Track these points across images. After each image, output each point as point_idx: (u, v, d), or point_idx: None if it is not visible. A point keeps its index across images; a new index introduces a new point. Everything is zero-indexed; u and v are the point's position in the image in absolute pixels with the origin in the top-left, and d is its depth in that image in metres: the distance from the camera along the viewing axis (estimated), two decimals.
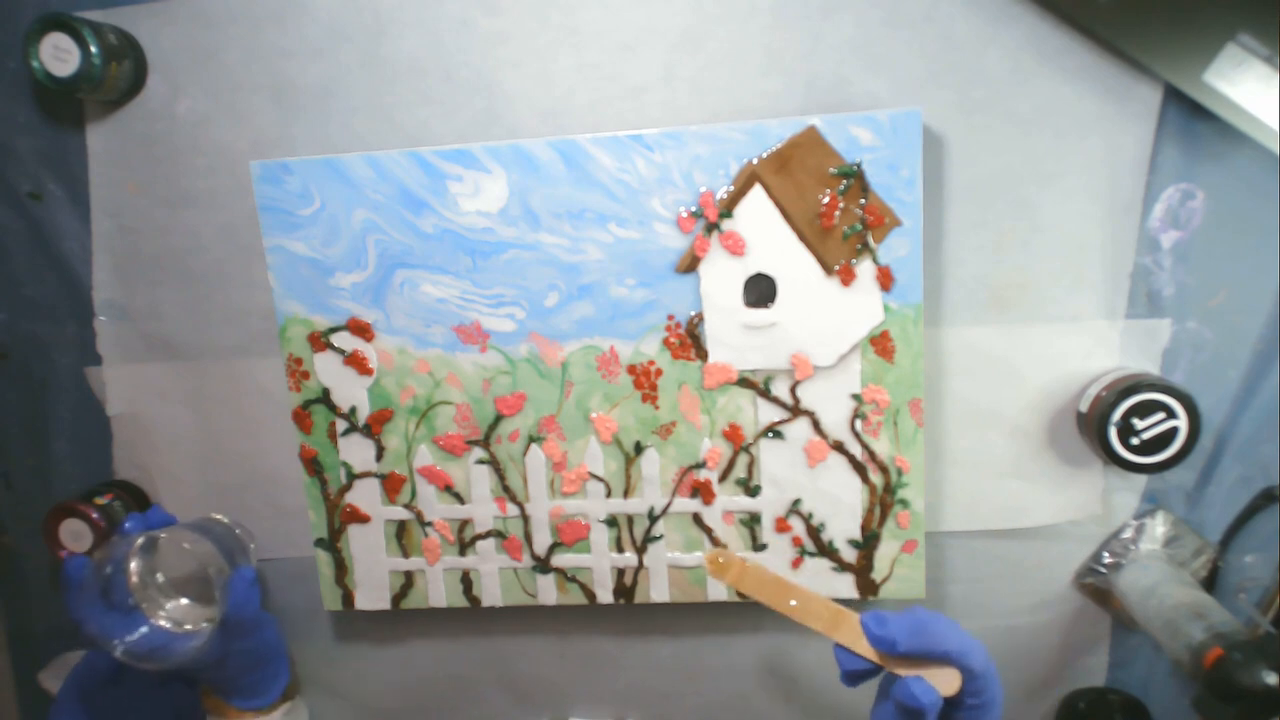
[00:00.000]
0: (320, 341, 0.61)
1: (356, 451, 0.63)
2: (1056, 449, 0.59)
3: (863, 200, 0.55)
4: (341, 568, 0.65)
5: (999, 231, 0.57)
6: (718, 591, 0.62)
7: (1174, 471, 0.57)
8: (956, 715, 0.46)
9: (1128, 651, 0.63)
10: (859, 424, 0.58)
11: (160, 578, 0.57)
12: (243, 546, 0.65)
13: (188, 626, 0.56)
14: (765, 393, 0.59)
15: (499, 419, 0.61)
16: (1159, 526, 0.59)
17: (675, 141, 0.56)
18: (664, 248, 0.57)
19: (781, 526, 0.60)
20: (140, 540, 0.56)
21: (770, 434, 0.59)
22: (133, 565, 0.55)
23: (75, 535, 0.65)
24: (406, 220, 0.59)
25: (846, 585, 0.60)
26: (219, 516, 0.66)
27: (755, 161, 0.55)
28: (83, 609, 0.54)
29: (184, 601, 0.57)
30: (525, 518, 0.62)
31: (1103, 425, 0.54)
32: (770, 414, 0.59)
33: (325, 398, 0.62)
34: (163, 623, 0.55)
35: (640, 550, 0.62)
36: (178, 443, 0.67)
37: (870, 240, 0.55)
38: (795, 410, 0.59)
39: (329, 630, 0.70)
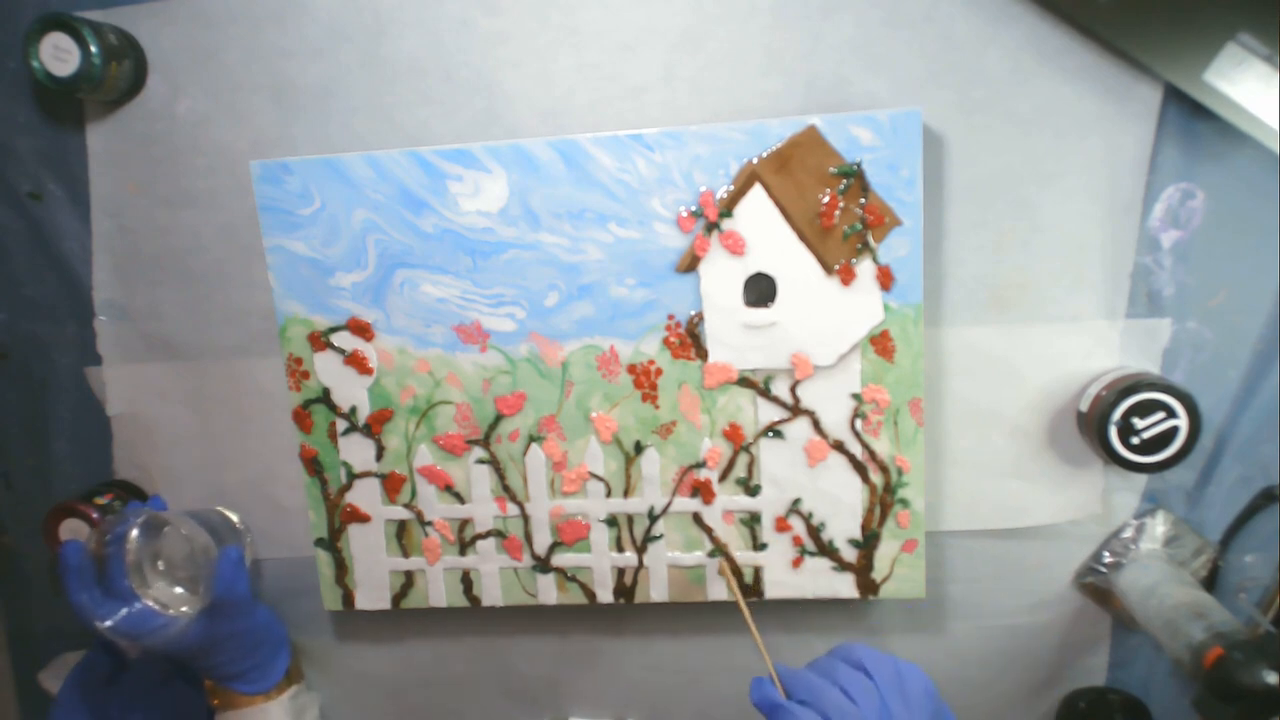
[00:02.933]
0: (320, 341, 0.61)
1: (356, 451, 0.63)
2: (1056, 449, 0.59)
3: (863, 200, 0.55)
4: (341, 567, 0.65)
5: (999, 231, 0.57)
6: (718, 591, 0.62)
7: (1174, 471, 0.57)
8: None
9: (1128, 651, 0.63)
10: (859, 423, 0.58)
11: (161, 565, 0.57)
12: (239, 540, 0.65)
13: (171, 611, 0.56)
14: (765, 392, 0.59)
15: (499, 419, 0.61)
16: (1159, 526, 0.59)
17: (675, 141, 0.56)
18: (664, 247, 0.57)
19: (781, 526, 0.60)
20: (143, 518, 0.56)
21: (770, 433, 0.59)
22: (134, 536, 0.55)
23: (75, 535, 0.64)
24: (406, 220, 0.59)
25: (847, 585, 0.60)
26: (221, 510, 0.67)
27: (755, 161, 0.55)
28: (78, 590, 0.54)
29: (177, 590, 0.58)
30: (525, 517, 0.62)
31: (1103, 425, 0.54)
32: (770, 413, 0.59)
33: (325, 397, 0.62)
34: (151, 603, 0.55)
35: (640, 550, 0.62)
36: (178, 443, 0.67)
37: (870, 240, 0.55)
38: (795, 410, 0.59)
39: (329, 630, 0.70)
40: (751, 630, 0.53)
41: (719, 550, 0.61)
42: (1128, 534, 0.60)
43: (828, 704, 0.44)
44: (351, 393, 0.62)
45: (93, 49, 0.58)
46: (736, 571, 0.61)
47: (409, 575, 0.64)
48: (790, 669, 0.48)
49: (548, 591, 0.63)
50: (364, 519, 0.64)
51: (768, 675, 0.48)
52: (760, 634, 0.65)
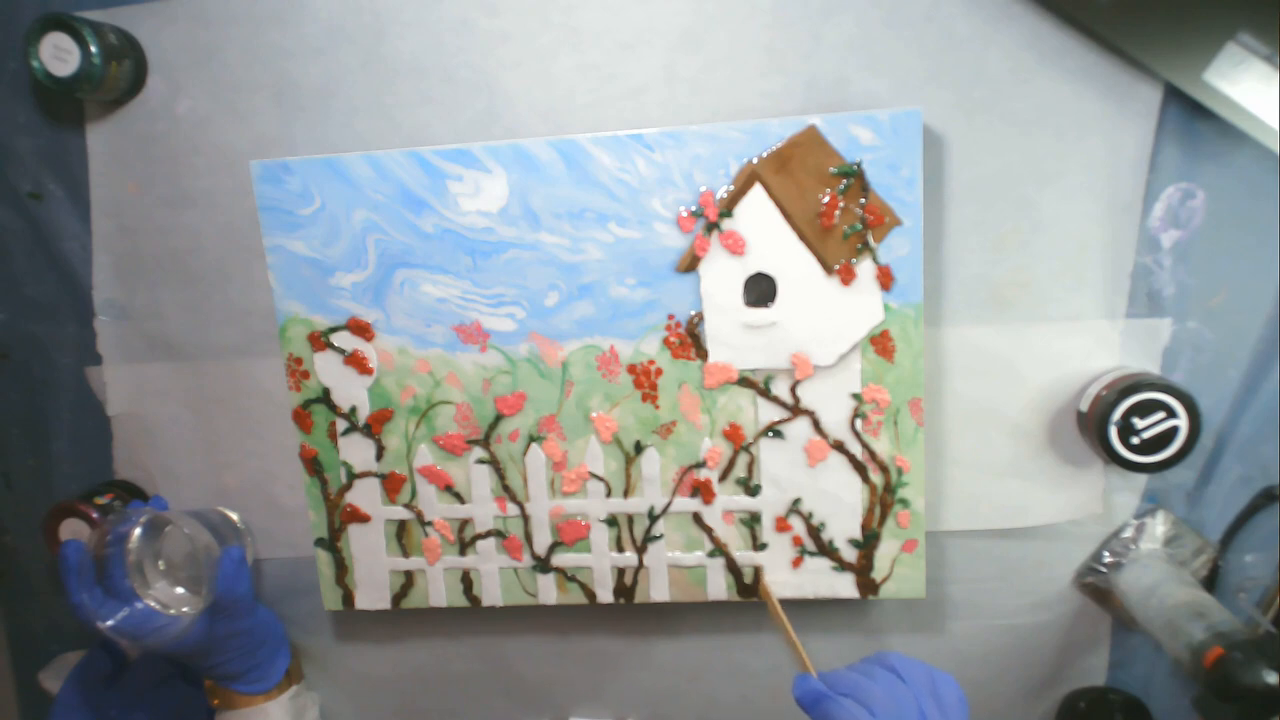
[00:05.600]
0: (320, 341, 0.61)
1: (356, 451, 0.63)
2: (1057, 449, 0.59)
3: (863, 200, 0.55)
4: (342, 567, 0.65)
5: (999, 231, 0.57)
6: (718, 591, 0.62)
7: (1174, 471, 0.57)
8: None
9: (1128, 651, 0.63)
10: (859, 423, 0.58)
11: (162, 565, 0.57)
12: (240, 540, 0.65)
13: (172, 611, 0.56)
14: (765, 392, 0.59)
15: (499, 419, 0.61)
16: (1159, 526, 0.59)
17: (675, 141, 0.56)
18: (664, 247, 0.57)
19: (782, 526, 0.60)
20: (145, 517, 0.56)
21: (770, 433, 0.59)
22: (135, 536, 0.55)
23: (75, 535, 0.65)
24: (406, 220, 0.59)
25: (847, 585, 0.60)
26: (223, 510, 0.67)
27: (755, 161, 0.55)
28: (79, 590, 0.54)
29: (179, 590, 0.58)
30: (525, 517, 0.62)
31: (1103, 425, 0.54)
32: (770, 413, 0.59)
33: (325, 397, 0.62)
34: (152, 604, 0.55)
35: (640, 550, 0.62)
36: (178, 443, 0.67)
37: (870, 240, 0.55)
38: (795, 410, 0.59)
39: (329, 630, 0.70)
40: (792, 639, 0.53)
41: (719, 550, 0.61)
42: (1128, 534, 0.60)
43: (870, 699, 0.44)
44: (351, 393, 0.62)
45: (93, 49, 0.58)
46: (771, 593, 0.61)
47: (409, 575, 0.64)
48: (828, 671, 0.48)
49: (548, 591, 0.63)
50: (364, 519, 0.64)
51: (800, 676, 0.48)
52: (763, 634, 0.66)
